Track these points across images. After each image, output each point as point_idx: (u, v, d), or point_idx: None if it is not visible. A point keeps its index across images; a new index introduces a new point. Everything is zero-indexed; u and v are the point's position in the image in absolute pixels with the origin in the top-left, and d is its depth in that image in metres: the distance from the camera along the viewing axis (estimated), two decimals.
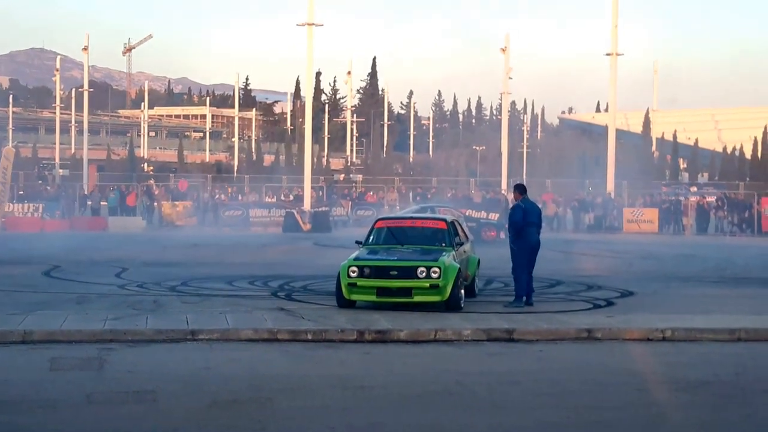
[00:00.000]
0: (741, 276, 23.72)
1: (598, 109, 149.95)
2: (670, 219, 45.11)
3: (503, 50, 57.56)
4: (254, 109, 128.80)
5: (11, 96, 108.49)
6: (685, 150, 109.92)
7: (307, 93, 51.93)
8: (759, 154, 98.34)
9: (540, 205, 18.67)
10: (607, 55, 50.05)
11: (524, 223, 16.42)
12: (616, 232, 43.59)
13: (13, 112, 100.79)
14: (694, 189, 68.43)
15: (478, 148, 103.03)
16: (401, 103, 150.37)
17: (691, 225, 44.77)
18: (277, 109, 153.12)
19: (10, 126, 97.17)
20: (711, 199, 51.27)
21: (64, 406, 9.55)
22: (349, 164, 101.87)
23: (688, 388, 10.64)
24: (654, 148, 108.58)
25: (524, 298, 16.34)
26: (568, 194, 50.99)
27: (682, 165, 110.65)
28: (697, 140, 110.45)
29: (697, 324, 14.48)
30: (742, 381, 11.16)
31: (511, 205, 17.17)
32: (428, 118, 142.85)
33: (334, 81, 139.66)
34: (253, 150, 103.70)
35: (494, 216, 35.46)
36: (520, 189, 17.07)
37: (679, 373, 11.51)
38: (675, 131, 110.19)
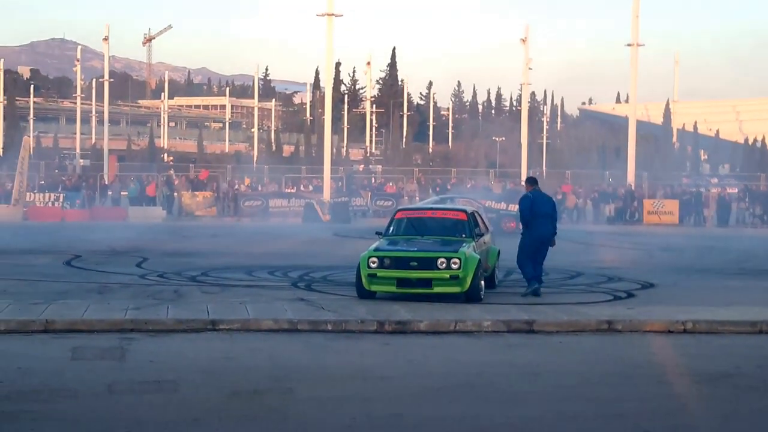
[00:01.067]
0: (763, 268, 23.60)
1: (618, 100, 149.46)
2: (691, 210, 44.86)
3: (523, 41, 57.40)
4: (274, 100, 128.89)
5: (32, 86, 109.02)
6: (706, 141, 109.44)
7: (327, 83, 51.93)
8: None
9: (559, 197, 18.78)
10: (628, 45, 49.85)
11: (531, 214, 16.53)
12: (636, 224, 43.44)
13: (34, 102, 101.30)
14: (715, 180, 68.03)
15: (497, 139, 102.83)
16: (420, 93, 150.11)
17: (712, 216, 44.55)
18: (296, 100, 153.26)
19: (31, 116, 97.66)
20: (732, 190, 51.00)
21: (86, 395, 9.59)
22: (368, 155, 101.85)
23: (710, 381, 10.60)
24: (675, 139, 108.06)
25: (537, 284, 16.38)
26: (588, 185, 50.83)
27: (703, 156, 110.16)
28: (718, 131, 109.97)
29: (719, 316, 14.42)
30: (764, 373, 11.12)
31: None
32: (448, 108, 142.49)
33: (354, 71, 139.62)
34: (273, 140, 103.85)
35: (514, 207, 35.34)
36: (530, 181, 17.38)
37: (701, 366, 11.46)
38: (696, 122, 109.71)
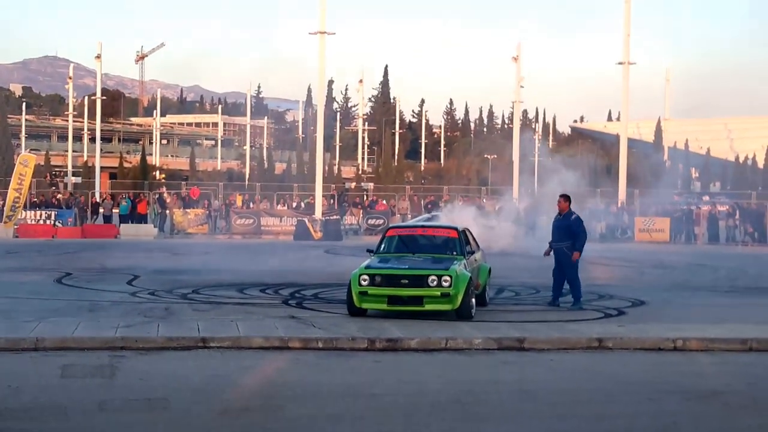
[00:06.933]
0: (753, 285, 23.64)
1: (609, 118, 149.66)
2: (682, 228, 44.98)
3: (515, 59, 57.59)
4: (266, 117, 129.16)
5: (24, 104, 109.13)
6: (697, 159, 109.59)
7: (319, 101, 51.92)
8: None
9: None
10: (620, 64, 50.00)
11: None
12: (627, 241, 43.50)
13: (26, 120, 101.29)
14: (706, 198, 68.17)
15: (489, 156, 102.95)
16: (413, 111, 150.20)
17: (703, 234, 44.65)
18: (288, 117, 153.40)
19: (23, 133, 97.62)
20: (723, 208, 51.13)
21: (76, 413, 9.58)
22: (360, 172, 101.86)
23: (700, 398, 10.61)
24: (666, 157, 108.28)
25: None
26: (580, 203, 50.87)
27: (694, 174, 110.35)
28: (709, 149, 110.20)
29: (709, 334, 14.43)
30: (754, 391, 11.13)
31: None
32: (440, 126, 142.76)
33: (346, 89, 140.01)
34: (265, 158, 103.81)
35: (506, 224, 35.37)
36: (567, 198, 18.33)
37: (691, 383, 11.48)
38: (687, 140, 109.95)
